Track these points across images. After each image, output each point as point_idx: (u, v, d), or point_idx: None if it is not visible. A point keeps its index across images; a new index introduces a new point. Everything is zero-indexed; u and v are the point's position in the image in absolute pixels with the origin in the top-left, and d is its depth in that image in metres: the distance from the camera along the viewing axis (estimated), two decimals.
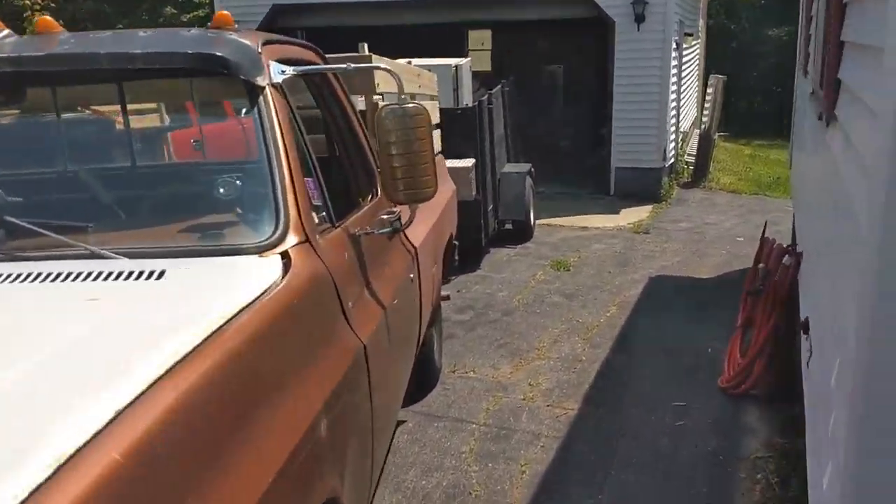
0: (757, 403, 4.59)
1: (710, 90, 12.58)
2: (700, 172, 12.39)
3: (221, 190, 2.27)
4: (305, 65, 2.85)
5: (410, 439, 4.32)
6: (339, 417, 2.10)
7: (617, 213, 10.53)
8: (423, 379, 4.88)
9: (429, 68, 6.89)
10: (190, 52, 2.36)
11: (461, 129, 7.73)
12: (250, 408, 1.64)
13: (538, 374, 5.25)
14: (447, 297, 5.78)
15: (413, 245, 3.65)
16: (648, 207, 10.81)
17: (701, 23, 16.13)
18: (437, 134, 5.73)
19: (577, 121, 14.32)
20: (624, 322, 6.30)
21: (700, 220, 10.19)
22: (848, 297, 2.00)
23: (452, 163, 7.31)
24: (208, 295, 1.85)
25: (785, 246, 4.56)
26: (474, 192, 7.55)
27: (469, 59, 8.94)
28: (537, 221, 9.62)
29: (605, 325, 6.25)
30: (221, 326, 1.67)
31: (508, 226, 9.05)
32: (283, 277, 2.02)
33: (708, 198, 11.68)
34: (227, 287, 1.90)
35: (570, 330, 6.14)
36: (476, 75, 11.72)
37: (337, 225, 2.60)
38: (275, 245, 2.11)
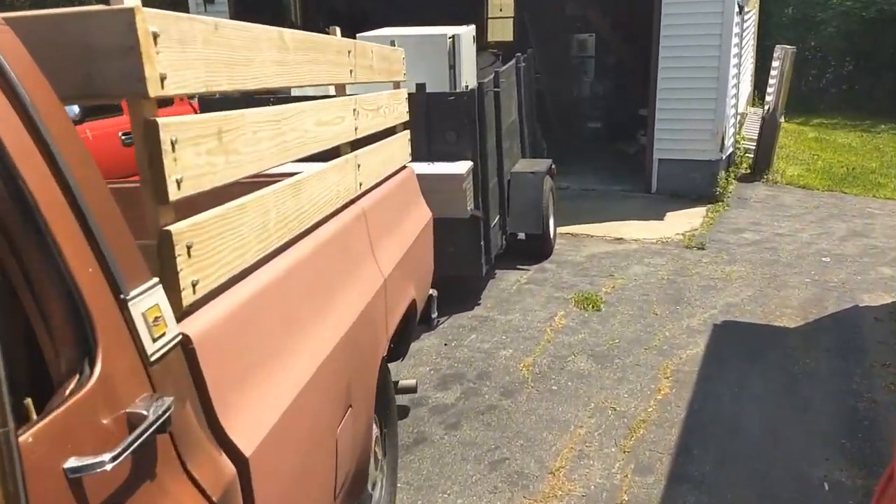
0: None
1: (775, 63, 10.27)
2: (762, 163, 10.14)
3: None
4: None
5: None
6: None
7: (661, 218, 8.34)
8: None
9: (396, 42, 4.79)
10: None
11: (455, 122, 5.61)
12: None
13: None
14: (413, 390, 3.81)
15: None
16: (702, 210, 8.61)
17: None
18: (404, 136, 3.68)
19: (611, 100, 12.14)
20: (684, 413, 4.22)
21: (769, 228, 7.98)
22: None
23: (437, 168, 5.25)
24: None
25: None
26: (470, 207, 5.47)
27: (472, 27, 6.79)
28: (559, 229, 7.53)
29: (654, 418, 4.18)
30: None
31: (521, 236, 6.97)
32: None
33: (774, 196, 9.43)
34: None
35: (602, 429, 4.08)
36: (496, 47, 9.64)
37: None
38: None
